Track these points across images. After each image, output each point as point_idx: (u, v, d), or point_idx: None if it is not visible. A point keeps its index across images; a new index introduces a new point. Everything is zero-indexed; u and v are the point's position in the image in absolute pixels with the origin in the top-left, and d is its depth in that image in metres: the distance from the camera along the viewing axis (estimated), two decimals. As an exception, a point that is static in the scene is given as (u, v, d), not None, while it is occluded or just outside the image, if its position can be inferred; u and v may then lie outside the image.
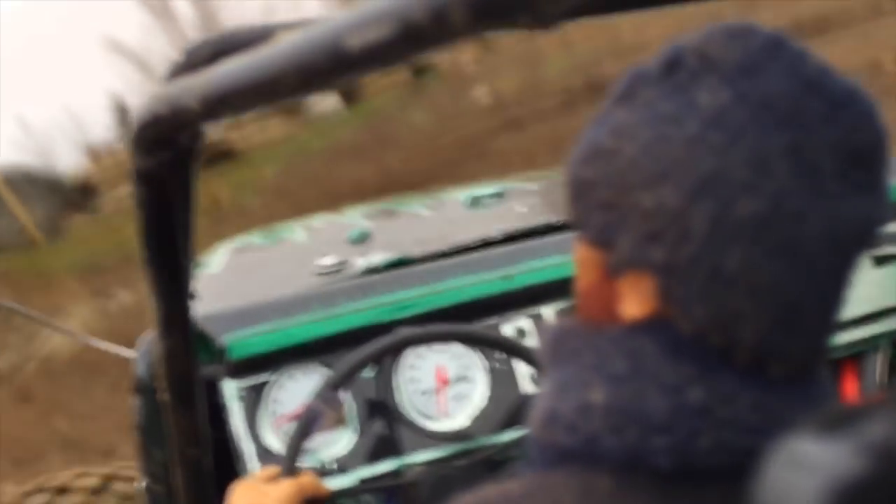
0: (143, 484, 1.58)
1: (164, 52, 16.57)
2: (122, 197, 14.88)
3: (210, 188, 11.22)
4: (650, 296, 0.69)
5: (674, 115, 0.68)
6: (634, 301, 0.71)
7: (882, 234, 0.70)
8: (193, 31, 16.43)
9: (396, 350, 1.33)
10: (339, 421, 1.20)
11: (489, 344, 1.37)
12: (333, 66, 0.65)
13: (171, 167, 0.94)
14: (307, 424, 1.21)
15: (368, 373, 1.43)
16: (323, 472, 1.39)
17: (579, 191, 0.73)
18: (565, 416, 0.70)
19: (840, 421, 0.47)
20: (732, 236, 0.65)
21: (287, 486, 1.11)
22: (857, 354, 1.53)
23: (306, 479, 1.14)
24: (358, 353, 1.28)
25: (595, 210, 0.71)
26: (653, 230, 0.67)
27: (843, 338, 1.50)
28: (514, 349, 1.34)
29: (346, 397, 1.42)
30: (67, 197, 16.39)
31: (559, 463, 0.71)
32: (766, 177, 0.64)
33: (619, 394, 0.68)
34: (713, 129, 0.66)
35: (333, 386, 1.25)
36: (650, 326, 0.70)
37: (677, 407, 0.66)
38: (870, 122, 0.68)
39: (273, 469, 1.19)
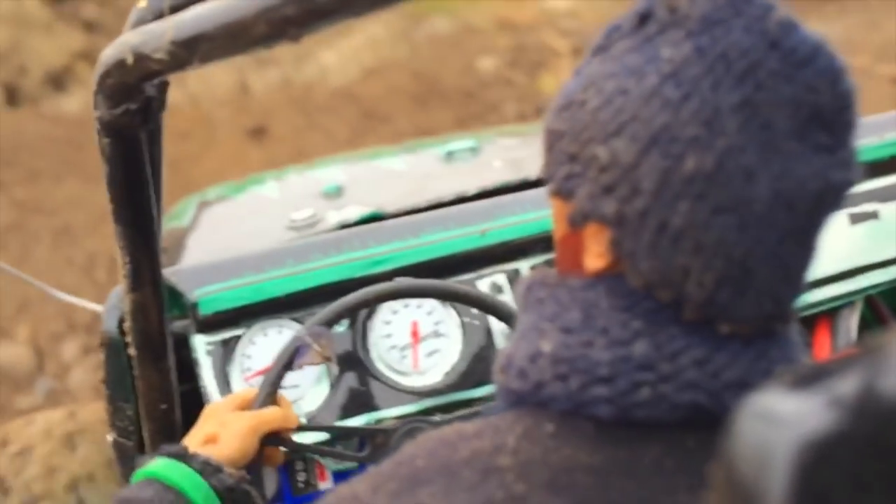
0: (112, 438, 1.58)
1: None
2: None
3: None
4: (607, 248, 0.71)
5: (637, 67, 0.68)
6: (594, 253, 0.72)
7: (848, 195, 0.69)
8: None
9: (389, 299, 1.32)
10: (326, 358, 1.18)
11: (491, 311, 1.35)
12: (305, 14, 0.64)
13: (138, 118, 0.92)
14: (292, 356, 1.19)
15: (342, 328, 1.43)
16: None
17: (550, 141, 0.74)
18: (518, 363, 0.73)
19: (811, 376, 0.47)
20: (679, 192, 0.65)
21: (247, 419, 1.10)
22: (831, 311, 1.54)
23: (270, 414, 1.12)
24: (352, 295, 1.27)
25: (561, 161, 0.73)
26: (607, 183, 0.68)
27: (818, 295, 1.51)
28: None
29: (334, 337, 1.42)
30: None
31: (513, 407, 0.73)
32: (716, 133, 0.64)
33: (567, 343, 0.70)
34: (669, 83, 0.66)
35: (324, 322, 1.23)
36: (605, 279, 0.71)
37: (621, 359, 0.68)
38: (832, 82, 0.67)
39: (248, 393, 1.17)
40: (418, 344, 1.45)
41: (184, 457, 1.02)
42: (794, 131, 0.65)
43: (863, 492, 0.43)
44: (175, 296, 1.42)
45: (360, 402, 1.40)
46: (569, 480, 0.67)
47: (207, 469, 1.01)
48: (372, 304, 1.30)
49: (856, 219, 1.57)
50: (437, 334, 1.46)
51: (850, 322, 1.53)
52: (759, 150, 0.64)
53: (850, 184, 0.68)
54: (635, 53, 0.69)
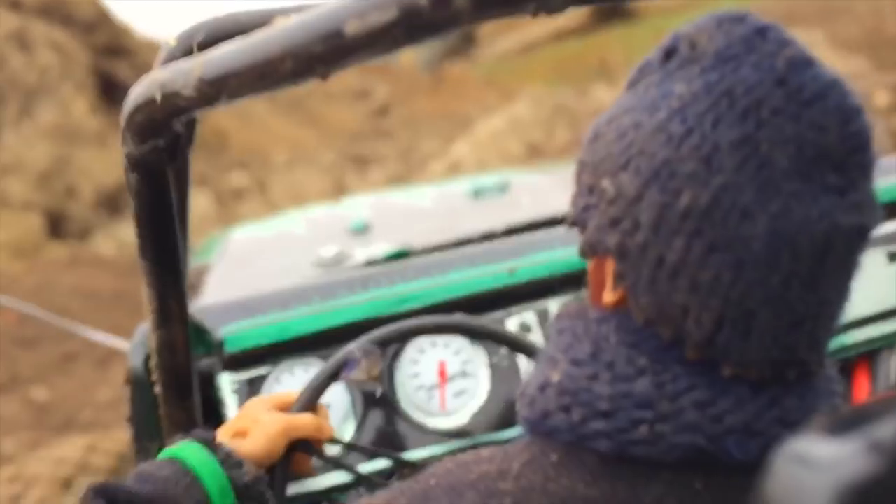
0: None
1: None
2: (499, 51, 14.90)
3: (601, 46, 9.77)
4: (614, 281, 0.72)
5: (652, 102, 0.69)
6: (609, 287, 0.73)
7: (879, 237, 0.68)
8: None
9: (447, 332, 1.32)
10: (372, 377, 1.18)
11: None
12: (333, 52, 0.64)
13: (165, 154, 0.92)
14: (339, 367, 1.19)
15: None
16: (320, 466, 1.38)
17: (577, 173, 0.76)
18: (529, 391, 0.75)
19: (850, 420, 0.47)
20: (675, 228, 0.66)
21: (280, 421, 1.10)
22: (870, 353, 1.52)
23: (304, 420, 1.13)
24: (411, 321, 1.28)
25: (582, 192, 0.75)
26: (613, 216, 0.70)
27: (856, 336, 1.49)
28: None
29: (384, 360, 1.41)
30: (449, 43, 17.39)
31: (528, 434, 0.76)
32: (713, 170, 0.64)
33: (574, 375, 0.71)
34: (676, 118, 0.66)
35: (378, 342, 1.23)
36: (617, 314, 0.72)
37: (622, 395, 0.69)
38: (843, 122, 0.66)
39: (288, 396, 1.17)
40: (445, 384, 1.44)
41: (209, 444, 1.04)
42: (798, 171, 0.64)
43: (905, 536, 0.43)
44: (201, 333, 1.42)
45: (386, 441, 1.39)
46: None
47: (228, 461, 1.03)
48: (429, 333, 1.30)
49: (894, 257, 1.55)
50: (464, 374, 1.45)
51: (890, 364, 1.51)
52: (757, 188, 0.64)
53: (864, 227, 0.67)
54: (655, 88, 0.70)
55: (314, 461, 1.19)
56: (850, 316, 1.48)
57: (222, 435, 1.08)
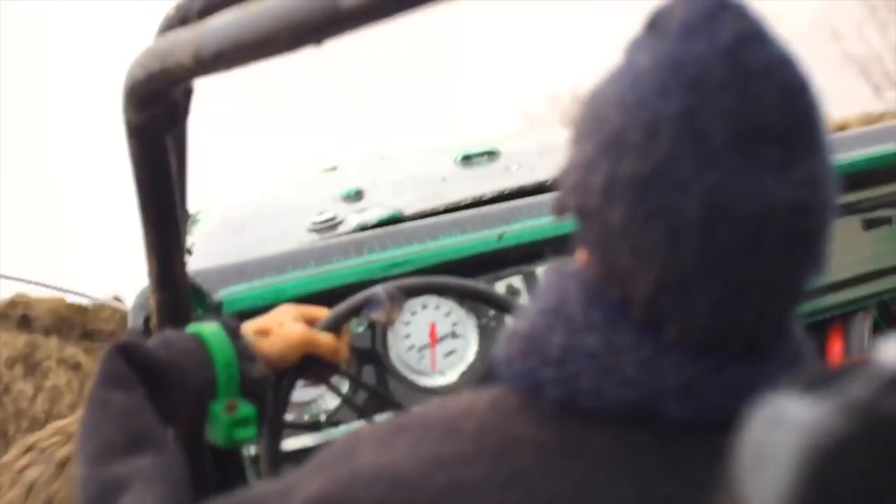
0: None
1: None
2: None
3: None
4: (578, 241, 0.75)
5: (621, 74, 0.71)
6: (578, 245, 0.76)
7: (816, 215, 0.67)
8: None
9: (467, 297, 1.36)
10: (389, 320, 1.21)
11: None
12: (327, 21, 0.65)
13: (164, 121, 0.94)
14: (363, 303, 1.22)
15: (361, 327, 1.44)
16: (313, 424, 1.40)
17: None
18: (501, 340, 0.77)
19: (822, 380, 0.48)
20: (619, 195, 0.68)
21: (302, 332, 1.13)
22: (845, 316, 1.55)
23: (324, 338, 1.15)
24: (440, 277, 1.32)
25: (566, 159, 0.76)
26: (576, 180, 0.72)
27: (831, 299, 1.51)
28: None
29: (406, 308, 1.43)
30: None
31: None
32: (654, 140, 0.66)
33: (537, 325, 0.74)
34: (633, 89, 0.68)
35: (403, 290, 1.25)
36: (583, 271, 0.75)
37: (572, 346, 0.71)
38: (786, 98, 0.66)
39: (319, 312, 1.20)
40: (436, 345, 1.47)
41: (232, 332, 1.07)
42: (737, 145, 0.65)
43: (876, 496, 0.44)
44: (200, 296, 1.44)
45: (378, 401, 1.41)
46: (514, 451, 0.70)
47: (244, 353, 1.06)
48: (454, 293, 1.34)
49: (869, 224, 1.57)
50: (454, 335, 1.48)
51: (864, 327, 1.53)
52: (694, 161, 0.65)
53: (804, 204, 0.67)
54: (629, 61, 0.71)
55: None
56: (826, 281, 1.51)
57: (246, 327, 1.11)
